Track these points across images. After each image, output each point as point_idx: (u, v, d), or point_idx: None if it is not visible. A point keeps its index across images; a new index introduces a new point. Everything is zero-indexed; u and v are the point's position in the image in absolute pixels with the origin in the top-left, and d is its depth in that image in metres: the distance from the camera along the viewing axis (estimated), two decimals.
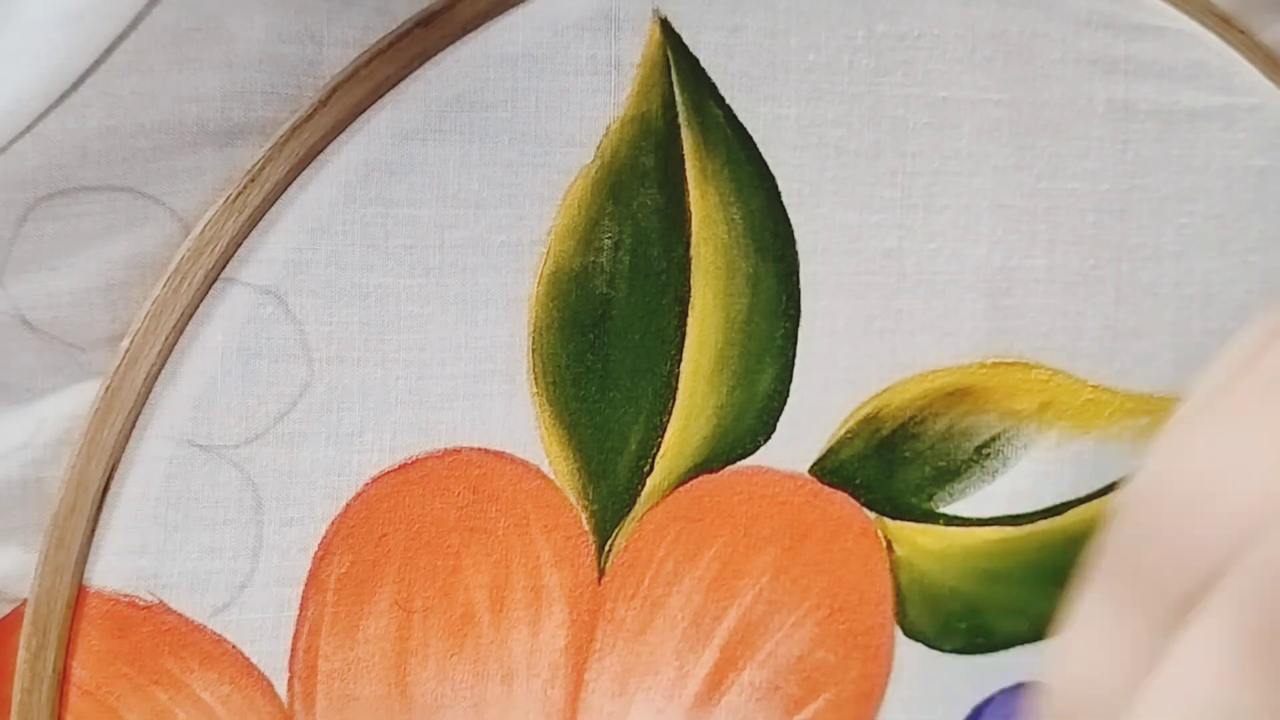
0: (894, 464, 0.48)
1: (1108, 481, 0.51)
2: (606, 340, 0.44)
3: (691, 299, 0.45)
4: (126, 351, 0.40)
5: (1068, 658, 0.36)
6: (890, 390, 0.48)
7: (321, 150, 0.41)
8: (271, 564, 0.42)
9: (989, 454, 0.49)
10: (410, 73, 0.41)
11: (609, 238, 0.44)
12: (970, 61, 0.47)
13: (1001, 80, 0.47)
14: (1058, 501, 0.50)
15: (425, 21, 0.41)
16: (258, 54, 0.40)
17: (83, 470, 0.40)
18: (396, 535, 0.43)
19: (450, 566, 0.43)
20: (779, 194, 0.45)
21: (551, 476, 0.44)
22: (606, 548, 0.45)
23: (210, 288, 0.41)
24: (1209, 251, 0.49)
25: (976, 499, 0.49)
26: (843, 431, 0.48)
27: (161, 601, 0.41)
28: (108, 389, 0.40)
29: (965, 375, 0.49)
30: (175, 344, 0.41)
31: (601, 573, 0.45)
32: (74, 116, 0.39)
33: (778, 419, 0.47)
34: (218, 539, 0.41)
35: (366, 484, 0.43)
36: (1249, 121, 0.49)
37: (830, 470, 0.48)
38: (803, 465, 0.47)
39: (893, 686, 0.49)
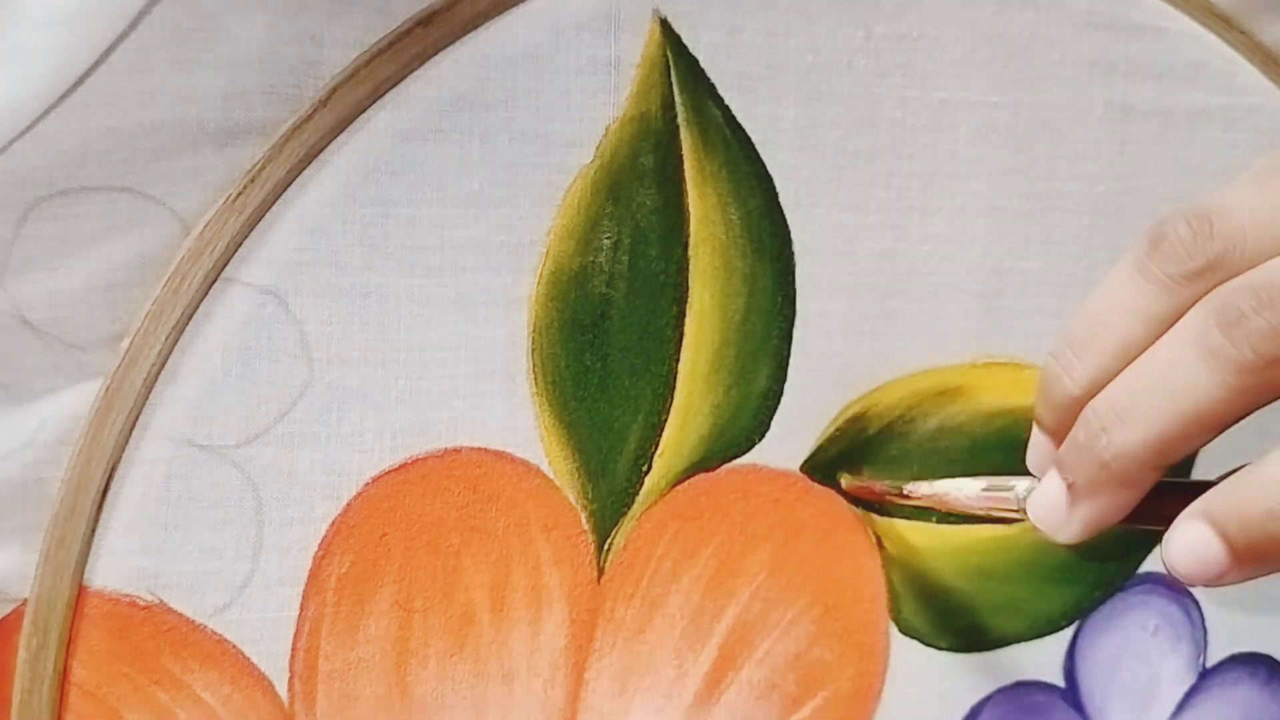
0: (880, 463, 0.49)
1: None
2: (605, 340, 0.44)
3: (689, 299, 0.45)
4: (126, 351, 0.40)
5: (1094, 295, 0.39)
6: (879, 390, 0.48)
7: (321, 150, 0.41)
8: (271, 564, 0.42)
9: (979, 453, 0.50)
10: (410, 73, 0.41)
11: (608, 238, 0.44)
12: (969, 63, 0.47)
13: (1000, 82, 0.47)
14: None
15: (425, 21, 0.41)
16: (258, 54, 0.40)
17: (83, 470, 0.40)
18: (396, 535, 0.43)
19: (450, 566, 0.43)
20: (776, 195, 0.46)
21: (551, 476, 0.44)
22: (606, 547, 0.45)
23: (210, 288, 0.41)
24: None
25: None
26: (831, 430, 0.48)
27: (161, 601, 0.41)
28: (108, 389, 0.40)
29: (956, 375, 0.49)
30: (175, 344, 0.40)
31: (601, 572, 0.45)
32: (74, 116, 0.39)
33: (772, 417, 0.47)
34: (218, 539, 0.41)
35: (366, 484, 0.43)
36: (1248, 122, 0.50)
37: (819, 468, 0.48)
38: (794, 463, 0.48)
39: (890, 684, 0.49)
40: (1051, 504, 0.40)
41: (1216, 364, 0.37)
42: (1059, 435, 0.40)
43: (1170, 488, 0.39)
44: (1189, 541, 0.37)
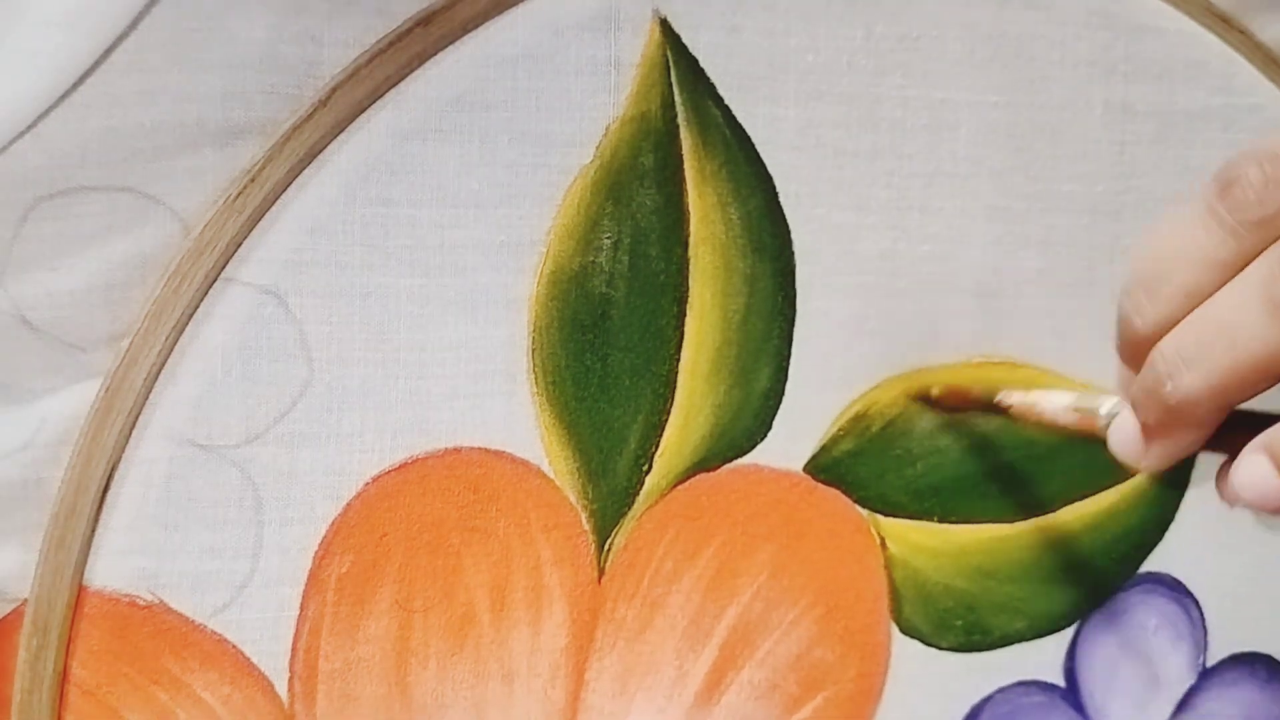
0: (884, 461, 0.49)
1: (1098, 479, 0.51)
2: (606, 340, 0.44)
3: (690, 299, 0.45)
4: (126, 351, 0.40)
5: (1163, 233, 0.40)
6: (879, 388, 0.48)
7: (321, 150, 0.41)
8: (271, 564, 0.42)
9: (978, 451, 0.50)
10: (410, 73, 0.41)
11: (608, 238, 0.44)
12: (969, 63, 0.47)
13: (1000, 82, 0.47)
14: (1049, 499, 0.51)
15: (425, 21, 0.41)
16: (258, 54, 0.40)
17: (83, 470, 0.40)
18: (397, 535, 0.43)
19: (450, 566, 0.43)
20: (776, 195, 0.46)
21: (551, 476, 0.44)
22: (606, 547, 0.45)
23: (210, 288, 0.41)
24: None
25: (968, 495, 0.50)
26: (834, 429, 0.48)
27: (161, 601, 0.41)
28: (108, 389, 0.40)
29: (954, 374, 0.49)
30: (175, 344, 0.40)
31: (601, 572, 0.45)
32: (74, 116, 0.39)
33: (773, 417, 0.47)
34: (218, 539, 0.41)
35: (366, 484, 0.43)
36: (1248, 122, 0.50)
37: (823, 468, 0.48)
38: (797, 463, 0.48)
39: (891, 684, 0.49)
40: (1128, 439, 0.42)
41: (1279, 314, 0.37)
42: (1135, 366, 0.41)
43: (1241, 418, 0.40)
44: (1251, 474, 0.39)
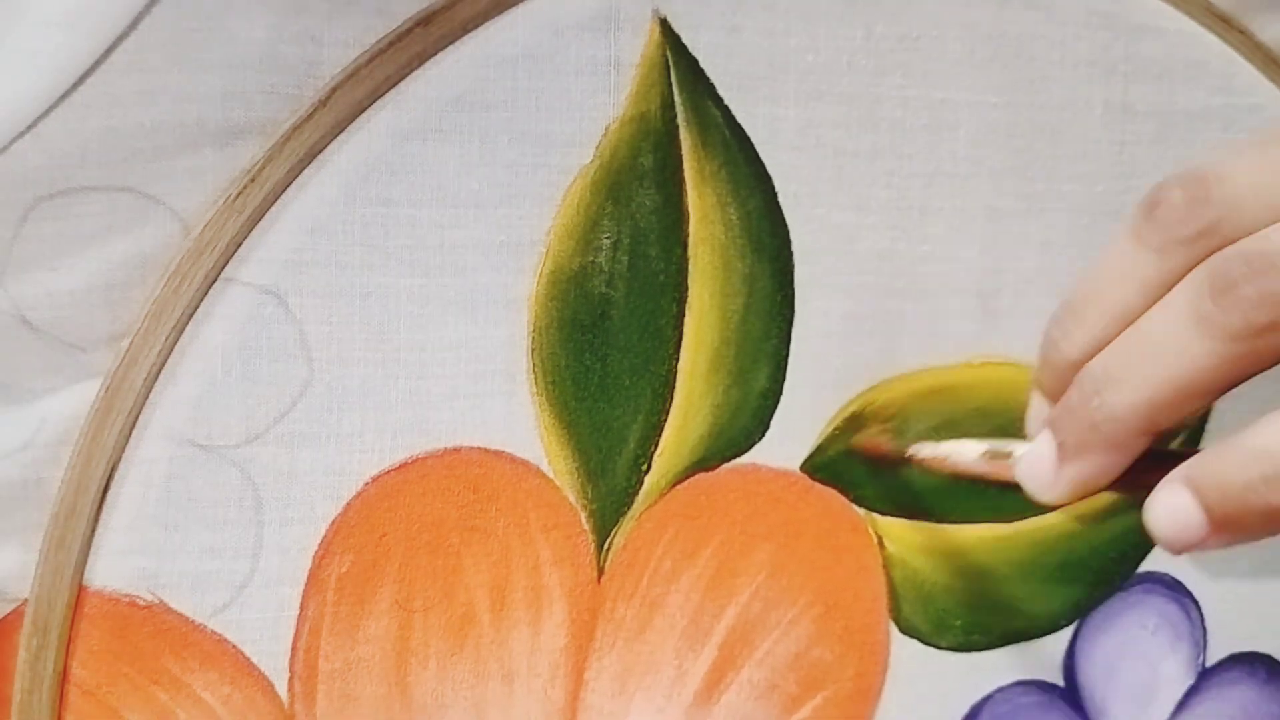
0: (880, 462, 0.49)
1: None
2: (605, 340, 0.44)
3: (689, 299, 0.45)
4: (126, 351, 0.40)
5: (1093, 265, 0.39)
6: (876, 389, 0.48)
7: (321, 150, 0.41)
8: (271, 564, 0.42)
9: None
10: (410, 73, 0.41)
11: (608, 238, 0.44)
12: (969, 63, 0.47)
13: (999, 82, 0.47)
14: None
15: (425, 21, 0.41)
16: (258, 54, 0.40)
17: (83, 470, 0.40)
18: (396, 535, 0.43)
19: (450, 566, 0.43)
20: (776, 195, 0.46)
21: (551, 476, 0.44)
22: (605, 546, 0.45)
23: (210, 288, 0.41)
24: None
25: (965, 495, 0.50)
26: (830, 430, 0.48)
27: (161, 601, 0.41)
28: (108, 389, 0.40)
29: (952, 374, 0.49)
30: (175, 344, 0.40)
31: (601, 571, 0.45)
32: (74, 116, 0.39)
33: (771, 417, 0.47)
34: (218, 539, 0.41)
35: (366, 484, 0.43)
36: (1248, 122, 0.50)
37: (820, 467, 0.48)
38: (794, 463, 0.48)
39: (890, 684, 0.49)
40: (1040, 463, 0.40)
41: (1207, 331, 0.37)
42: (1057, 399, 0.40)
43: (1159, 455, 0.39)
44: (1170, 506, 0.37)
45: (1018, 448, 0.42)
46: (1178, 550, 0.38)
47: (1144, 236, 0.38)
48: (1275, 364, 0.37)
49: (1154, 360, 0.38)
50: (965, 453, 0.44)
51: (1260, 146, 0.38)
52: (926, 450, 0.45)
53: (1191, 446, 0.40)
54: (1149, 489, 0.38)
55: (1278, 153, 0.38)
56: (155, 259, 0.40)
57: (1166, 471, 0.38)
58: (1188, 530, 0.37)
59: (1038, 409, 0.42)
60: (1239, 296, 0.36)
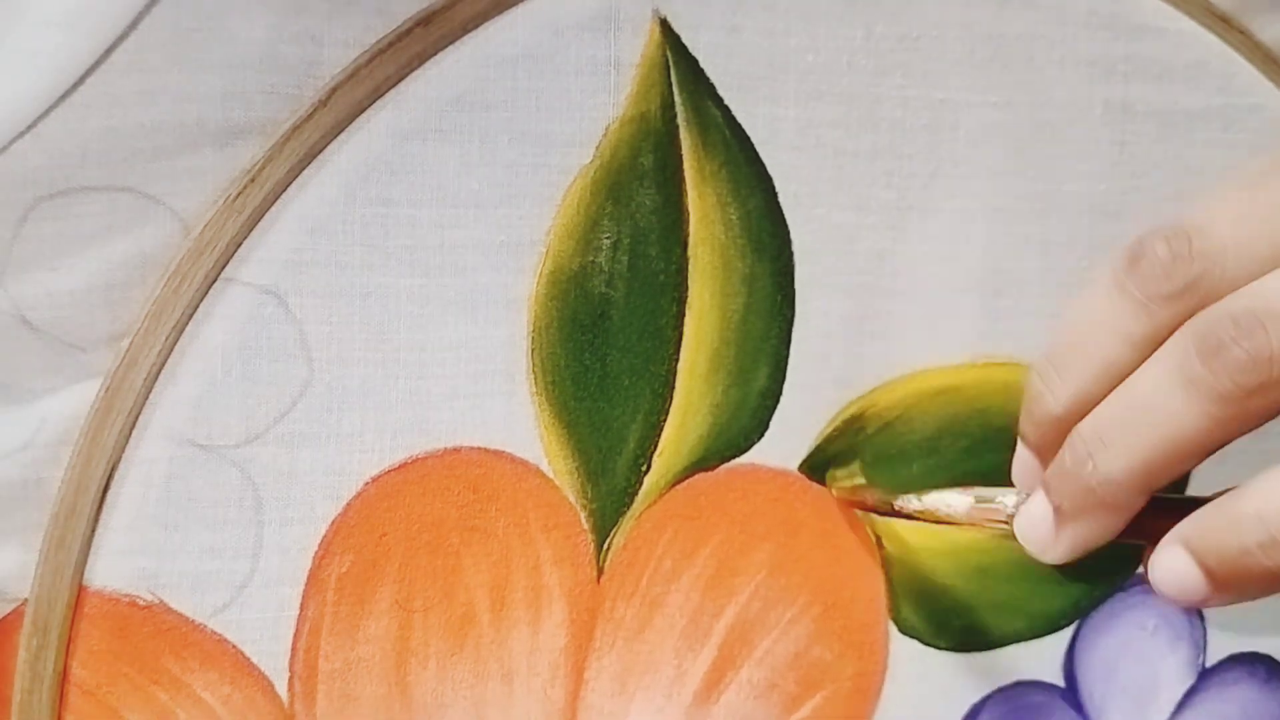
0: (878, 462, 0.49)
1: None
2: (605, 340, 0.44)
3: (689, 299, 0.45)
4: (126, 351, 0.40)
5: (1076, 310, 0.39)
6: (877, 390, 0.48)
7: (321, 150, 0.41)
8: (271, 564, 0.42)
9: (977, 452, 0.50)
10: (410, 73, 0.41)
11: (608, 238, 0.44)
12: (969, 63, 0.47)
13: (1000, 82, 0.47)
14: None
15: (425, 21, 0.41)
16: (258, 54, 0.40)
17: (83, 470, 0.40)
18: (396, 535, 0.43)
19: (450, 566, 0.43)
20: (776, 195, 0.46)
21: (550, 475, 0.44)
22: (605, 546, 0.45)
23: (210, 288, 0.41)
24: None
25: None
26: (829, 430, 0.48)
27: (161, 601, 0.41)
28: (108, 389, 0.40)
29: (954, 375, 0.49)
30: (175, 344, 0.40)
31: (601, 571, 0.45)
32: (74, 116, 0.39)
33: (771, 417, 0.47)
34: (218, 539, 0.41)
35: (366, 484, 0.43)
36: (1248, 122, 0.50)
37: (817, 468, 0.48)
38: (793, 463, 0.48)
39: (889, 684, 0.49)
40: (1038, 525, 0.40)
41: (1197, 394, 0.37)
42: (1042, 451, 0.41)
43: (1158, 503, 0.39)
44: (1171, 568, 0.38)
45: (1006, 497, 0.42)
46: (1183, 607, 0.38)
47: (1126, 289, 0.38)
48: (1265, 423, 0.37)
49: (1146, 423, 0.38)
50: (955, 504, 0.44)
51: (1250, 189, 0.38)
52: (914, 505, 0.45)
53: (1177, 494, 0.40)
54: (1150, 537, 0.39)
55: (1263, 198, 0.38)
56: (155, 259, 0.40)
57: (1167, 517, 0.38)
58: (1191, 592, 0.38)
59: (1023, 459, 0.42)
60: (1228, 359, 0.36)
